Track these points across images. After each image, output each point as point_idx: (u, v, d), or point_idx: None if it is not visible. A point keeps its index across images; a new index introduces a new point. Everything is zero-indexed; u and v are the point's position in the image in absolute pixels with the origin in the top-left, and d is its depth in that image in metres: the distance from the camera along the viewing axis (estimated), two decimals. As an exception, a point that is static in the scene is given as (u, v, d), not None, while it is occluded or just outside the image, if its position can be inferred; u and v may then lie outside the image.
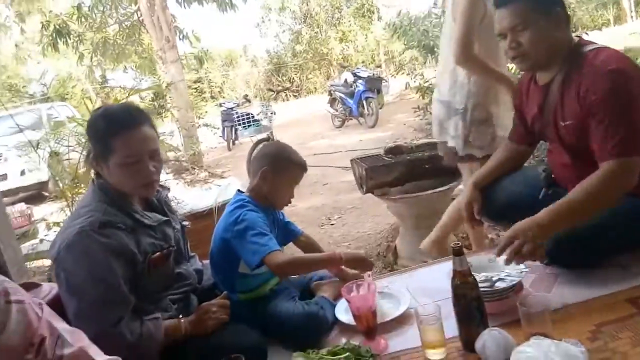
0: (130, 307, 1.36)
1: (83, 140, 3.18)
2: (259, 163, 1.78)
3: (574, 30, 6.79)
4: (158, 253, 1.47)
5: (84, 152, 3.17)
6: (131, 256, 1.38)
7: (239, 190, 1.85)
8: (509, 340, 1.23)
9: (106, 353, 1.24)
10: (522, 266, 1.55)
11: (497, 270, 1.57)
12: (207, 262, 1.79)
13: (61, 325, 1.08)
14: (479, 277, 1.46)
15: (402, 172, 2.81)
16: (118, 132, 1.38)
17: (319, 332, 1.62)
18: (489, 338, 1.24)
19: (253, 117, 8.06)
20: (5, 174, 6.97)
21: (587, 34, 6.95)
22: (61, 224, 3.10)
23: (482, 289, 1.38)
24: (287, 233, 1.94)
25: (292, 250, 2.03)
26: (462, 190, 1.97)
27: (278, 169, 1.75)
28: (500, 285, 1.49)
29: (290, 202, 1.84)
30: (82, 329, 1.31)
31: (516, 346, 1.19)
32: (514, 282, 1.49)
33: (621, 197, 1.50)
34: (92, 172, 1.53)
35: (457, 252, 1.30)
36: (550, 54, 1.61)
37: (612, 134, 1.46)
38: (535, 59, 1.62)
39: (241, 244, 1.61)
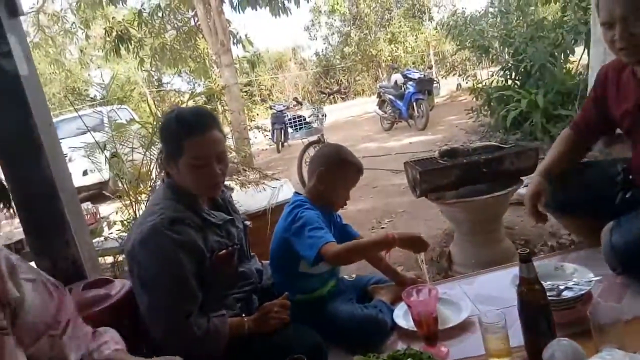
0: (198, 302, 1.42)
1: (145, 141, 3.32)
2: (316, 164, 1.81)
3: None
4: (224, 250, 1.52)
5: (147, 153, 3.31)
6: (200, 253, 1.44)
7: (296, 192, 1.88)
8: (579, 351, 1.19)
9: (175, 346, 1.31)
10: (591, 275, 1.50)
11: (563, 278, 1.52)
12: (266, 262, 1.83)
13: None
14: (545, 285, 1.42)
15: (458, 176, 2.75)
16: (188, 135, 1.44)
17: (377, 335, 1.62)
18: (559, 348, 1.20)
19: (304, 119, 8.12)
20: (70, 174, 7.34)
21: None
22: (124, 223, 3.26)
23: (553, 299, 1.35)
24: (344, 235, 1.95)
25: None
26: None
27: (334, 169, 1.77)
28: (567, 294, 1.45)
29: (346, 204, 1.85)
30: (153, 322, 1.38)
31: (587, 358, 1.15)
32: (583, 292, 1.44)
33: None
34: (163, 172, 1.62)
35: (525, 259, 1.27)
36: None
37: None
38: None
39: (299, 240, 1.64)
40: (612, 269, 1.59)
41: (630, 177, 1.79)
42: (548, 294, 1.36)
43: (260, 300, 1.68)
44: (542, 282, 1.34)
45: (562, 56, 5.91)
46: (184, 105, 3.51)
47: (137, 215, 3.17)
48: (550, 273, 1.55)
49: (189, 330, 1.37)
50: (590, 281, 1.47)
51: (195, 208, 1.51)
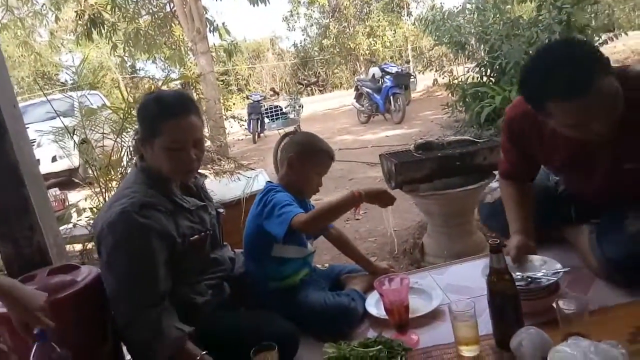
0: (164, 291, 1.39)
1: (117, 128, 3.24)
2: (287, 151, 1.80)
3: (611, 30, 6.60)
4: (197, 236, 1.50)
5: (118, 140, 3.24)
6: (170, 238, 1.42)
7: (268, 181, 1.86)
8: (545, 340, 1.22)
9: (132, 335, 1.34)
10: (558, 266, 1.52)
11: (532, 270, 1.55)
12: (238, 250, 1.81)
13: None
14: (514, 275, 1.44)
15: (432, 169, 2.78)
16: (168, 117, 1.42)
17: (349, 323, 1.63)
18: (526, 336, 1.22)
19: (281, 109, 8.09)
20: (38, 160, 7.13)
21: (626, 34, 6.77)
22: (94, 210, 3.18)
23: (522, 287, 1.38)
24: None
25: (324, 245, 2.04)
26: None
27: (304, 155, 1.76)
28: (535, 285, 1.47)
29: (318, 191, 1.83)
30: (116, 308, 1.38)
31: (553, 346, 1.17)
32: (550, 282, 1.47)
33: None
34: (136, 156, 1.58)
35: (495, 250, 1.29)
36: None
37: None
38: (617, 116, 1.37)
39: (270, 221, 1.63)
40: (610, 280, 1.57)
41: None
42: (517, 284, 1.37)
43: (231, 288, 1.67)
44: (512, 273, 1.37)
45: (536, 54, 6.02)
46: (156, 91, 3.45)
47: (107, 202, 3.10)
48: (521, 264, 1.57)
49: (148, 320, 1.34)
50: (558, 272, 1.50)
51: (167, 193, 1.49)
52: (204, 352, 1.38)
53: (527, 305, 1.39)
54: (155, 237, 1.38)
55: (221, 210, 1.72)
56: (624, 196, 1.59)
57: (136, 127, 1.60)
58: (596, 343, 1.13)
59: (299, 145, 1.80)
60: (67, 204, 4.17)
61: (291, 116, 6.67)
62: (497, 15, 6.83)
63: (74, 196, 4.92)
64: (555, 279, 1.49)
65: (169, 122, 1.42)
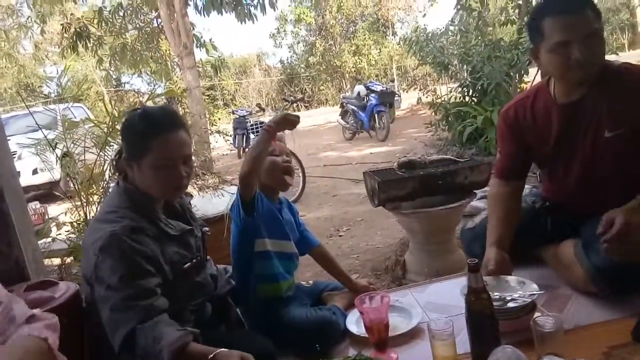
0: (165, 308, 1.32)
1: (99, 141, 3.22)
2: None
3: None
4: (188, 264, 1.46)
5: (101, 154, 3.21)
6: (159, 265, 1.36)
7: None
8: (522, 358, 1.23)
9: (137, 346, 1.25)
10: (535, 287, 1.55)
11: (510, 290, 1.57)
12: (222, 266, 1.80)
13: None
14: (492, 295, 1.46)
15: (415, 187, 2.81)
16: (156, 134, 1.38)
17: (331, 336, 1.64)
18: (503, 355, 1.23)
19: (266, 126, 8.13)
20: (19, 172, 7.03)
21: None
22: (74, 224, 3.14)
23: (498, 308, 1.40)
24: (304, 242, 1.95)
25: (307, 261, 2.05)
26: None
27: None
28: (512, 305, 1.49)
29: (285, 185, 1.83)
30: (117, 326, 1.26)
31: (529, 365, 1.19)
32: (526, 303, 1.49)
33: None
34: (119, 174, 1.52)
35: (473, 269, 1.31)
36: (602, 66, 1.58)
37: None
38: (598, 70, 1.57)
39: (236, 208, 1.67)
40: (600, 292, 1.60)
41: (548, 203, 1.88)
42: (495, 304, 1.40)
43: (213, 308, 1.63)
44: (490, 293, 1.39)
45: (517, 76, 6.16)
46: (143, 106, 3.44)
47: (88, 217, 3.07)
48: (498, 285, 1.60)
49: (148, 330, 1.24)
50: (534, 294, 1.53)
51: (152, 217, 1.42)
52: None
53: (505, 325, 1.41)
54: (147, 262, 1.32)
55: (206, 229, 1.67)
56: (602, 187, 1.66)
57: (119, 144, 1.55)
58: (570, 362, 1.16)
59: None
60: (46, 217, 4.11)
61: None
62: (479, 37, 6.99)
63: (54, 209, 4.86)
64: (531, 299, 1.51)
65: (157, 139, 1.37)
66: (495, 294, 1.52)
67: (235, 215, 1.71)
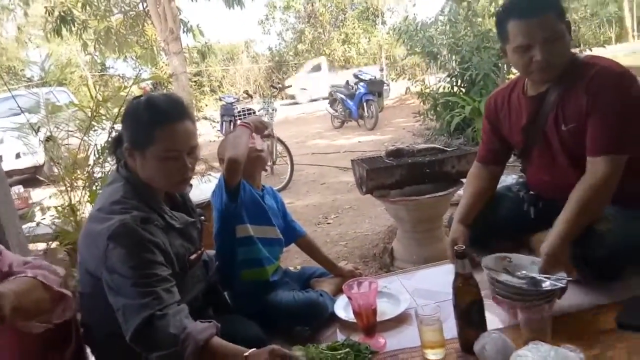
0: (179, 298, 1.30)
1: (83, 126, 3.17)
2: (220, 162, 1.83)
3: (577, 46, 6.86)
4: (194, 255, 1.45)
5: (85, 138, 3.16)
6: (169, 256, 1.34)
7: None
8: (508, 344, 1.25)
9: (155, 338, 1.22)
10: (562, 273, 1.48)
11: (522, 269, 1.53)
12: (211, 252, 1.78)
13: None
14: (519, 274, 1.48)
15: (403, 175, 2.82)
16: (162, 123, 1.32)
17: (319, 317, 1.66)
18: (489, 341, 1.25)
19: (254, 112, 8.05)
20: (1, 156, 6.91)
21: (590, 50, 7.03)
22: (59, 209, 3.10)
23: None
24: (290, 232, 1.95)
25: (295, 248, 2.04)
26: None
27: (221, 148, 1.79)
28: (546, 286, 1.41)
29: (263, 170, 1.90)
30: (131, 313, 1.22)
31: (515, 350, 1.21)
32: (555, 288, 1.40)
33: None
34: (120, 162, 1.45)
35: (461, 255, 1.32)
36: (566, 64, 1.63)
37: (610, 129, 1.52)
38: (559, 69, 1.61)
39: (219, 194, 1.67)
40: (583, 279, 1.60)
41: (530, 192, 1.92)
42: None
43: (204, 296, 1.61)
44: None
45: (505, 67, 6.18)
46: (128, 90, 3.39)
47: (73, 201, 3.03)
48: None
49: (170, 320, 1.21)
50: (561, 279, 1.43)
51: (157, 209, 1.39)
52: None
53: (523, 310, 1.32)
54: (159, 252, 1.29)
55: (203, 218, 1.63)
56: (569, 177, 1.66)
57: (116, 132, 1.48)
58: (556, 348, 1.17)
59: (220, 151, 1.80)
60: (30, 201, 4.04)
61: (265, 119, 6.62)
62: (469, 28, 7.00)
63: (38, 194, 4.78)
64: (561, 285, 1.42)
65: (163, 129, 1.31)
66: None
67: (216, 201, 1.70)
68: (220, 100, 10.29)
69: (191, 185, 1.63)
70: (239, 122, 8.34)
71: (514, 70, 6.42)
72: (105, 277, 1.26)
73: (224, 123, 9.44)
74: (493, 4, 6.68)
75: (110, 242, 1.25)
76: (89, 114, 3.11)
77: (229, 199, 1.63)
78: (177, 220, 1.44)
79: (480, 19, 7.25)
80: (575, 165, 1.67)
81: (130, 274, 1.23)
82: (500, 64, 6.14)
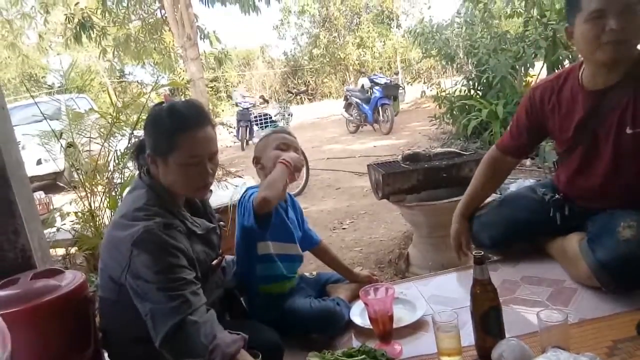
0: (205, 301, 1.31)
1: (104, 132, 3.23)
2: (253, 158, 1.86)
3: None
4: (216, 260, 1.46)
5: (105, 144, 3.22)
6: (193, 262, 1.35)
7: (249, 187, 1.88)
8: (526, 351, 1.23)
9: (185, 343, 1.22)
10: None
11: None
12: (229, 258, 1.79)
13: None
14: None
15: (419, 180, 2.81)
16: (185, 130, 1.34)
17: (335, 326, 1.65)
18: (507, 348, 1.24)
19: (270, 117, 8.09)
20: (23, 161, 7.04)
21: None
22: (78, 214, 3.16)
23: None
24: (306, 240, 1.94)
25: (310, 254, 2.05)
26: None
27: (260, 147, 1.83)
28: None
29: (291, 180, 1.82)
30: (160, 319, 1.23)
31: (534, 358, 1.19)
32: None
33: None
34: (142, 169, 1.48)
35: (479, 261, 1.31)
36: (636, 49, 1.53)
37: None
38: (632, 48, 1.51)
39: (244, 217, 1.65)
40: (604, 286, 1.58)
41: (558, 195, 1.86)
42: None
43: (221, 301, 1.62)
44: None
45: (523, 69, 6.12)
46: (147, 97, 3.44)
47: (92, 207, 3.08)
48: None
49: (199, 326, 1.22)
50: None
51: (179, 215, 1.41)
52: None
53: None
54: (183, 257, 1.30)
55: (222, 223, 1.66)
56: (623, 184, 1.62)
57: (138, 139, 1.51)
58: (575, 355, 1.15)
59: (256, 148, 1.86)
60: (51, 207, 4.12)
61: (280, 124, 6.66)
62: (485, 30, 6.95)
63: (58, 200, 4.87)
64: None
65: (184, 136, 1.33)
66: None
67: (241, 217, 1.69)
68: (236, 105, 10.39)
69: (211, 191, 1.64)
70: (255, 128, 8.33)
71: (531, 72, 6.37)
72: (130, 282, 1.27)
73: (240, 128, 9.53)
74: (510, 5, 6.62)
75: (135, 248, 1.26)
76: (110, 121, 3.17)
77: (258, 226, 1.60)
78: (199, 226, 1.45)
79: (496, 21, 7.19)
80: (621, 172, 1.61)
81: (156, 279, 1.24)
82: (517, 67, 6.08)
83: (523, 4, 6.28)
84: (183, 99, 1.53)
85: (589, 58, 1.62)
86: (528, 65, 6.06)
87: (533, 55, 5.79)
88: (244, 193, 1.73)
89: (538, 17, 5.86)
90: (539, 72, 6.40)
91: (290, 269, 1.78)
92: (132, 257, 1.26)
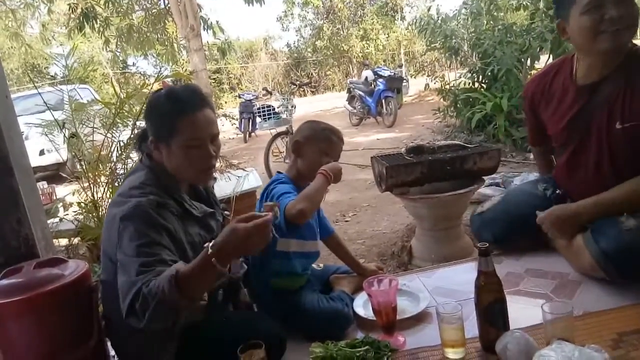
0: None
1: (107, 122, 3.22)
2: (293, 139, 1.80)
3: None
4: (207, 243, 1.45)
5: (108, 134, 3.22)
6: (181, 244, 1.36)
7: (278, 171, 1.86)
8: (531, 343, 1.23)
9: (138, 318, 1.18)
10: None
11: None
12: None
13: None
14: None
15: (423, 173, 2.79)
16: (184, 113, 1.36)
17: (342, 328, 1.64)
18: (512, 340, 1.23)
19: (274, 109, 8.06)
20: (26, 150, 7.04)
21: None
22: (81, 204, 3.16)
23: None
24: (320, 229, 1.92)
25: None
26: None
27: (309, 137, 1.76)
28: None
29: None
30: (125, 292, 1.20)
31: (538, 350, 1.19)
32: None
33: None
34: (142, 154, 1.50)
35: (484, 253, 1.30)
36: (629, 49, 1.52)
37: None
38: (631, 36, 1.50)
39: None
40: (608, 277, 1.58)
41: (559, 190, 1.87)
42: None
43: (225, 292, 1.64)
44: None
45: (528, 62, 6.08)
46: (149, 88, 3.43)
47: (96, 198, 3.08)
48: None
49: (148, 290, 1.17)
50: None
51: (177, 197, 1.42)
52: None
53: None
54: (168, 237, 1.31)
55: (227, 213, 1.66)
56: (612, 177, 1.62)
57: (139, 129, 1.52)
58: (580, 347, 1.15)
59: (303, 130, 1.80)
60: (54, 197, 4.13)
61: (284, 116, 6.62)
62: (491, 22, 6.89)
63: (60, 190, 4.88)
64: None
65: (185, 119, 1.36)
66: None
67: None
68: (239, 97, 10.36)
69: (215, 178, 1.64)
70: (258, 120, 8.27)
71: (536, 65, 6.32)
72: (118, 257, 1.28)
73: (243, 120, 9.51)
74: (515, -3, 6.56)
75: (123, 222, 1.28)
76: (113, 111, 3.17)
77: (287, 228, 1.58)
78: (197, 209, 1.47)
79: (502, 13, 7.13)
80: (618, 168, 1.61)
81: (136, 252, 1.24)
82: (523, 59, 6.03)
83: (529, -4, 6.22)
84: (182, 85, 1.54)
85: (588, 50, 1.60)
86: (534, 58, 6.02)
87: (539, 48, 5.75)
88: (271, 183, 1.70)
89: (544, 9, 5.81)
90: (544, 65, 6.36)
91: (304, 266, 1.77)
92: (119, 232, 1.28)
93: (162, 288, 1.15)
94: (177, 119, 1.36)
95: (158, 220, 1.29)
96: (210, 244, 1.18)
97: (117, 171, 3.17)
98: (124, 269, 1.25)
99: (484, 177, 2.82)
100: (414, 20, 7.96)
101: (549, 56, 5.81)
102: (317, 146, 1.74)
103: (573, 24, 1.57)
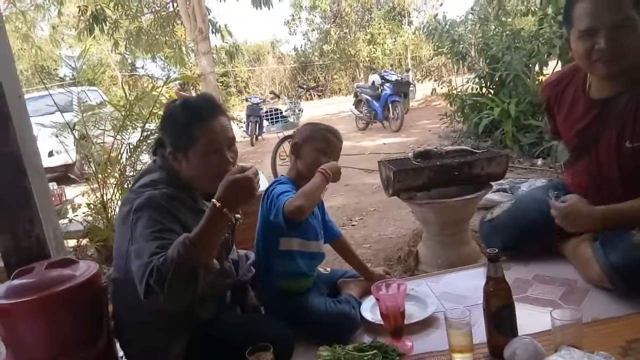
0: None
1: (117, 124, 3.25)
2: (292, 141, 1.82)
3: None
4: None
5: (118, 137, 3.24)
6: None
7: (282, 175, 1.87)
8: (539, 350, 1.23)
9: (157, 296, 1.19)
10: None
11: None
12: (242, 252, 1.80)
13: None
14: None
15: (430, 178, 2.79)
16: (200, 121, 1.41)
17: (350, 332, 1.64)
18: (520, 346, 1.23)
19: (281, 113, 8.08)
20: (38, 151, 7.08)
21: None
22: (91, 206, 3.18)
23: None
24: (327, 232, 1.93)
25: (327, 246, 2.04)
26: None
27: (307, 138, 1.78)
28: None
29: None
30: (141, 275, 1.22)
31: (547, 356, 1.19)
32: None
33: None
34: (156, 157, 1.54)
35: (493, 259, 1.30)
36: (636, 62, 1.50)
37: None
38: (625, 66, 1.49)
39: (270, 211, 1.63)
40: (615, 289, 1.58)
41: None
42: None
43: (233, 294, 1.65)
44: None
45: (537, 68, 6.06)
46: (159, 90, 3.46)
47: (105, 199, 3.11)
48: None
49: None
50: None
51: (190, 194, 1.46)
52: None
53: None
54: (180, 227, 1.33)
55: (238, 216, 1.65)
56: (619, 194, 1.61)
57: (146, 131, 1.55)
58: (589, 354, 1.15)
59: (302, 132, 1.83)
60: (64, 199, 4.16)
61: (291, 120, 6.65)
62: (499, 27, 6.88)
63: (69, 192, 4.91)
64: None
65: (201, 127, 1.40)
66: None
67: (266, 209, 1.67)
68: (246, 100, 10.39)
69: None
70: (265, 123, 8.30)
71: (545, 71, 6.30)
72: (132, 249, 1.30)
73: (249, 124, 9.53)
74: (525, 3, 6.55)
75: (136, 213, 1.32)
76: (123, 113, 3.19)
77: (286, 225, 1.59)
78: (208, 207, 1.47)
79: (510, 19, 7.13)
80: (629, 183, 1.59)
81: (150, 237, 1.26)
82: (531, 65, 6.02)
83: (538, 1, 6.21)
84: (195, 94, 1.58)
85: (589, 71, 1.62)
86: (542, 63, 6.00)
87: (547, 54, 5.73)
88: (271, 185, 1.71)
89: (553, 15, 5.80)
90: (553, 71, 6.34)
91: (310, 267, 1.78)
92: (133, 225, 1.31)
93: (177, 251, 1.19)
94: (193, 127, 1.40)
95: (171, 210, 1.33)
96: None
97: (127, 173, 3.20)
98: (138, 255, 1.26)
99: (491, 183, 2.82)
100: (422, 25, 7.97)
101: (557, 62, 5.80)
102: (315, 146, 1.75)
103: (572, 45, 1.59)
